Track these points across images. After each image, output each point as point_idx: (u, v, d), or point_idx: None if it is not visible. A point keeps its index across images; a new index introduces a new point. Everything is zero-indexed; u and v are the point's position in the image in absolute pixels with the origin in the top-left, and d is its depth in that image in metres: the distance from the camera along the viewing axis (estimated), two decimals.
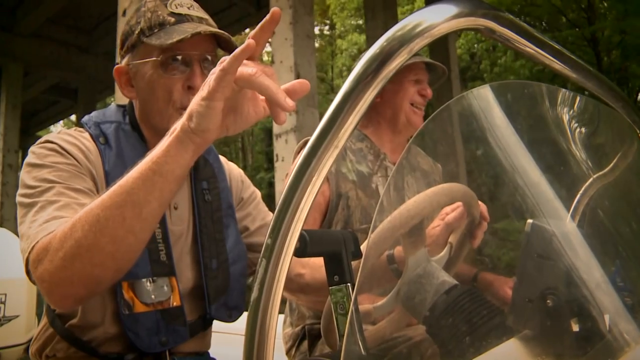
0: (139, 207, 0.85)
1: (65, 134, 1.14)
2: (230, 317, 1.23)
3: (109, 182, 1.09)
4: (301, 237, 0.68)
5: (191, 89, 1.12)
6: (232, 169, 1.41)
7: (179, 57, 1.12)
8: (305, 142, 1.80)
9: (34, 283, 0.96)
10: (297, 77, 5.42)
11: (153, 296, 1.10)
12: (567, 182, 0.81)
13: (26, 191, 1.04)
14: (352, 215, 1.67)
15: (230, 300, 1.23)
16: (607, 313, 0.74)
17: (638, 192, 0.84)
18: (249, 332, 0.51)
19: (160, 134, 1.13)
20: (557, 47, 0.53)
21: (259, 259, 0.49)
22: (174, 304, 1.13)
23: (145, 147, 1.18)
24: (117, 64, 1.21)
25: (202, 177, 1.28)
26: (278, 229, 0.48)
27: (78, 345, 1.13)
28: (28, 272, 0.96)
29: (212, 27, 1.12)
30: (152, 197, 0.86)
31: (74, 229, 0.87)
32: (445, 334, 0.79)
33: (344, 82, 0.42)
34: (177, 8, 1.14)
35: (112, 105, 1.27)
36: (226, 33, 1.14)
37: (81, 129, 1.18)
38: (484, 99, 0.70)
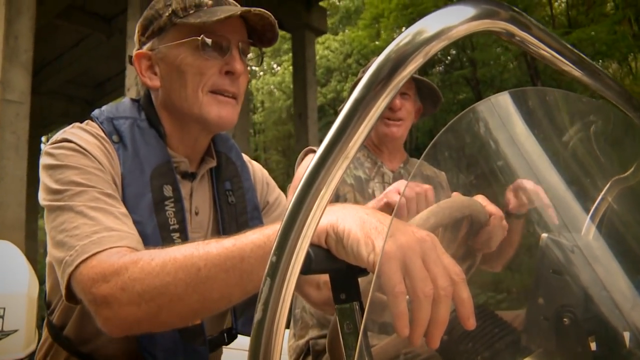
0: (247, 277, 0.74)
1: (81, 131, 1.05)
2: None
3: (125, 186, 1.02)
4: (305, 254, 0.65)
5: (229, 74, 1.07)
6: (256, 169, 1.33)
7: (219, 40, 1.06)
8: (307, 152, 1.80)
9: (73, 299, 0.89)
10: None
11: None
12: (587, 191, 0.78)
13: (53, 196, 0.95)
14: None
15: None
16: (627, 331, 0.70)
17: None
18: (252, 354, 0.48)
19: (185, 124, 1.10)
20: (577, 53, 0.50)
21: (263, 278, 0.46)
22: (194, 321, 1.04)
23: (164, 145, 1.10)
24: (138, 49, 1.12)
25: (225, 177, 1.19)
26: (283, 246, 0.45)
27: (79, 356, 1.08)
28: (69, 286, 0.88)
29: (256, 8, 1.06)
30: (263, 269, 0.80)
31: (165, 269, 0.78)
32: (458, 353, 0.76)
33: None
34: None
35: (126, 99, 1.18)
36: (272, 16, 1.08)
37: (94, 124, 1.09)
38: (503, 106, 0.67)
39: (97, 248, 0.87)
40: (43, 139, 16.96)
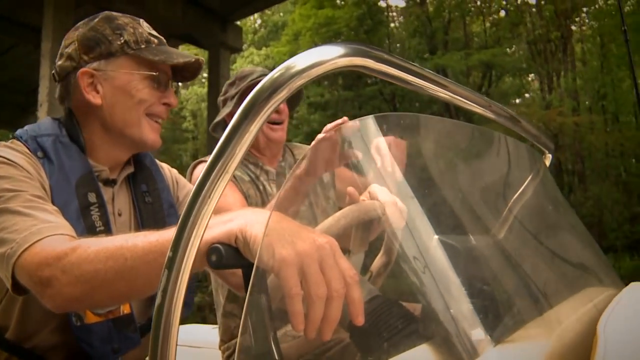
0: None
1: (7, 149, 1.14)
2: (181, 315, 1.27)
3: (53, 196, 1.11)
4: (216, 250, 0.71)
5: (166, 106, 1.26)
6: (166, 170, 1.46)
7: (162, 76, 1.23)
8: (197, 164, 1.95)
9: (19, 289, 0.98)
10: None
11: None
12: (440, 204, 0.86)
13: None
14: None
15: (186, 296, 1.26)
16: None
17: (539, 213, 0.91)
18: (153, 335, 0.56)
19: (117, 140, 1.24)
20: (440, 78, 0.59)
21: (162, 269, 0.54)
22: (124, 311, 1.16)
23: (85, 158, 1.21)
24: (79, 66, 1.22)
25: (141, 180, 1.33)
26: (178, 244, 0.53)
27: (20, 354, 1.15)
28: (14, 276, 0.96)
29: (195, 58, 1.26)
30: None
31: (98, 257, 0.88)
32: (368, 340, 0.84)
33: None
34: (149, 29, 1.26)
35: (47, 119, 1.29)
36: (200, 61, 1.28)
37: (19, 143, 1.18)
38: (368, 128, 0.75)
39: (38, 237, 0.95)
40: None
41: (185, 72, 1.31)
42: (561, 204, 0.89)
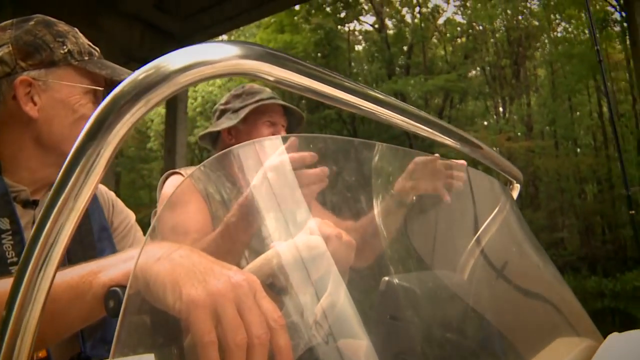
0: (59, 318, 0.70)
1: None
2: (109, 353, 1.11)
3: None
4: (114, 295, 0.60)
5: None
6: (102, 192, 1.29)
7: (106, 92, 1.11)
8: (169, 174, 1.75)
9: None
10: None
11: None
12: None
13: None
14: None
15: (109, 333, 1.10)
16: None
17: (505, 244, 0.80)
18: None
19: (49, 157, 1.08)
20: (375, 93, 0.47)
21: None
22: (39, 354, 0.97)
23: (1, 178, 1.05)
24: (13, 72, 1.07)
25: None
26: (14, 299, 0.38)
27: None
28: None
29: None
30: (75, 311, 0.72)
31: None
32: None
33: None
34: (87, 40, 1.14)
35: None
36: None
37: None
38: (268, 149, 0.64)
39: None
40: None
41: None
42: (529, 241, 0.78)
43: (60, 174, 0.35)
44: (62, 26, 1.11)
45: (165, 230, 1.81)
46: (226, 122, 1.79)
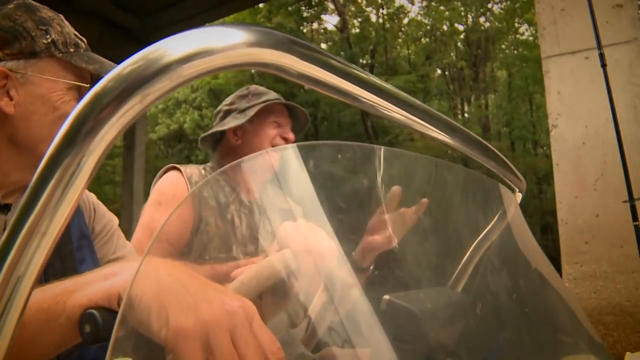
0: (29, 344, 0.63)
1: None
2: None
3: None
4: (91, 318, 0.52)
5: None
6: (90, 197, 1.19)
7: (83, 88, 0.99)
8: (168, 169, 1.73)
9: None
10: None
11: None
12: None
13: None
14: (210, 242, 1.59)
15: (88, 353, 0.99)
16: None
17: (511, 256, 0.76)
18: None
19: (23, 159, 0.97)
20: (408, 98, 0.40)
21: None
22: None
23: None
24: None
25: None
26: None
27: None
28: None
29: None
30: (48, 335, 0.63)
31: None
32: None
33: None
34: (73, 30, 1.02)
35: None
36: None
37: None
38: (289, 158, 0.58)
39: None
40: None
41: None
42: (534, 253, 0.74)
43: (29, 189, 0.27)
44: (46, 12, 0.99)
45: (143, 223, 1.71)
46: (233, 121, 1.75)
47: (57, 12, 1.05)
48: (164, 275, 0.53)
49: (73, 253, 1.04)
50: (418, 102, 0.46)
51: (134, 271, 0.52)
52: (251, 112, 1.73)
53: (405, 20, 21.45)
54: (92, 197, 1.19)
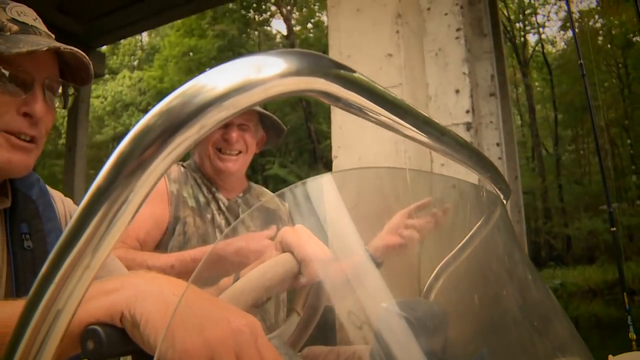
0: None
1: None
2: None
3: None
4: (94, 335, 0.50)
5: (28, 117, 0.89)
6: (59, 202, 1.11)
7: (20, 74, 0.88)
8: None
9: None
10: None
11: None
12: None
13: None
14: (188, 242, 1.59)
15: None
16: None
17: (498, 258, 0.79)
18: None
19: None
20: (426, 118, 0.42)
21: None
22: None
23: None
24: None
25: (22, 218, 0.97)
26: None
27: None
28: None
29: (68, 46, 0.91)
30: None
31: None
32: None
33: None
34: (19, 15, 0.91)
35: None
36: (86, 56, 0.95)
37: None
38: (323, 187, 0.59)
39: None
40: None
41: (73, 70, 0.98)
42: (520, 259, 0.76)
43: (73, 222, 0.27)
44: None
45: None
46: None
47: None
48: (170, 295, 0.52)
49: None
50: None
51: (136, 288, 0.53)
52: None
53: None
54: (69, 202, 1.12)
